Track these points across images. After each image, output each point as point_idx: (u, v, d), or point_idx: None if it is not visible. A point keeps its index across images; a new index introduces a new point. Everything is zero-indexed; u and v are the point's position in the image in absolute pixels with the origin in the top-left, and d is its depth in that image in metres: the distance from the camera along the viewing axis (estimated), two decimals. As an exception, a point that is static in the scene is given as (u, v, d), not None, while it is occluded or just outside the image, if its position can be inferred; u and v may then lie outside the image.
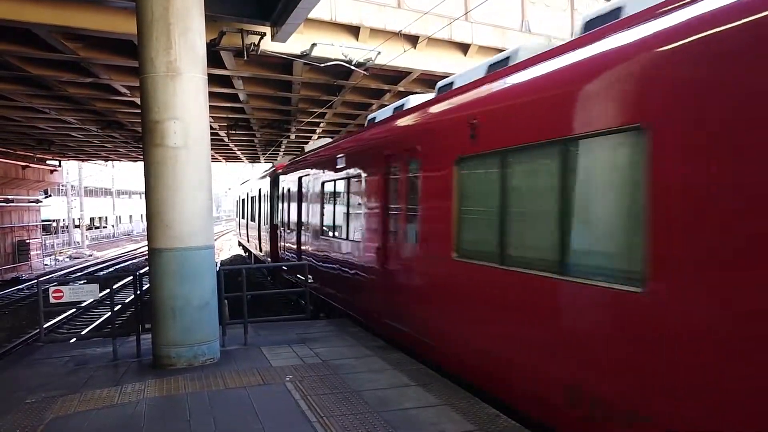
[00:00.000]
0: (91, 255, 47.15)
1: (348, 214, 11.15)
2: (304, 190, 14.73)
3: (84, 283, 8.85)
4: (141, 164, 8.94)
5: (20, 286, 26.58)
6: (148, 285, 8.33)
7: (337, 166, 11.80)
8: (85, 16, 11.37)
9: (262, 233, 21.38)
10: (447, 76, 15.24)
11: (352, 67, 14.11)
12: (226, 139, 28.25)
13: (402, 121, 9.09)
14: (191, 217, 7.99)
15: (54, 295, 8.36)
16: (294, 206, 15.81)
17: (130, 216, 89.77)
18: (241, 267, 10.95)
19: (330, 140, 15.59)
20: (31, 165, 34.70)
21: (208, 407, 6.31)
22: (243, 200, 25.73)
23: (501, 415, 5.81)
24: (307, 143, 29.02)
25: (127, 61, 13.66)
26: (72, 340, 10.61)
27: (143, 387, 7.10)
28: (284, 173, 17.60)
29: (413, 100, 9.56)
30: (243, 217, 28.27)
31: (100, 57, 13.62)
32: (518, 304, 5.76)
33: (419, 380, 7.02)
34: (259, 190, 22.19)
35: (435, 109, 7.94)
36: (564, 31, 16.02)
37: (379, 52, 13.78)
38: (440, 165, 7.36)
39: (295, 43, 13.14)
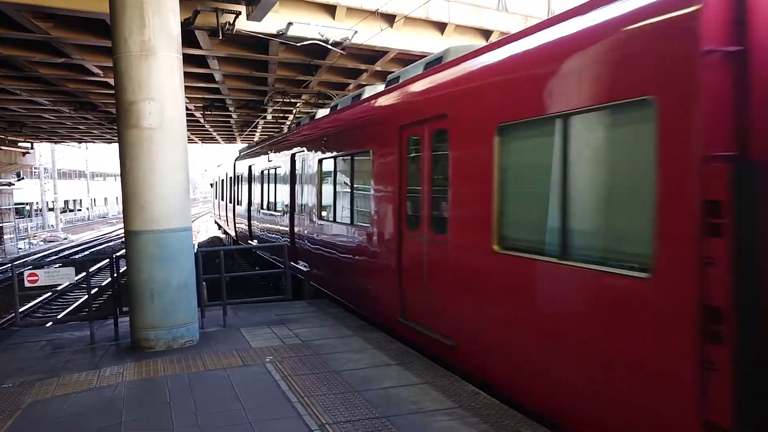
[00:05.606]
0: (66, 238, 46.58)
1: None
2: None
3: (59, 267, 8.76)
4: (116, 146, 8.83)
5: (-6, 271, 26.20)
6: (125, 268, 8.26)
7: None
8: (55, -6, 11.11)
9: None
10: (424, 56, 15.22)
11: (329, 47, 13.98)
12: (201, 120, 27.96)
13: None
14: (168, 198, 7.91)
15: (29, 278, 8.27)
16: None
17: (105, 198, 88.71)
18: (219, 249, 10.91)
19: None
20: (2, 147, 34.08)
21: (187, 389, 6.30)
22: (239, 176, 23.11)
23: (480, 392, 5.88)
24: (284, 124, 28.92)
25: (100, 41, 13.39)
26: (48, 324, 10.51)
27: (122, 370, 7.07)
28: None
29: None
30: (230, 201, 25.70)
31: (72, 36, 13.33)
32: None
33: (400, 359, 7.06)
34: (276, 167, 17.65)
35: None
36: (540, 10, 16.00)
37: (356, 32, 13.66)
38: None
39: (270, 22, 12.98)
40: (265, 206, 17.19)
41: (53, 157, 57.81)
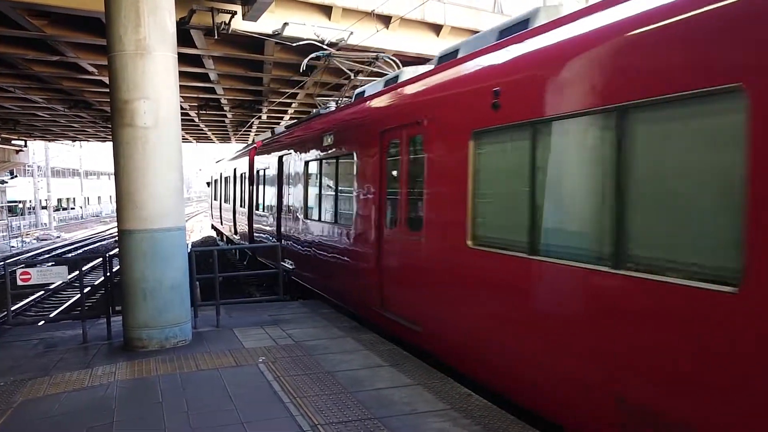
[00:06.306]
0: (59, 237, 46.35)
1: None
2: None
3: (52, 265, 8.73)
4: (110, 144, 8.81)
5: (-14, 269, 26.04)
6: (119, 266, 8.24)
7: None
8: (51, -9, 11.10)
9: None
10: (420, 57, 15.22)
11: (325, 47, 14.00)
12: (196, 120, 27.97)
13: None
14: (162, 198, 7.90)
15: (22, 277, 8.23)
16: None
17: (99, 197, 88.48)
18: (212, 248, 10.88)
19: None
20: (-5, 145, 34.03)
21: (180, 389, 6.29)
22: (259, 172, 17.89)
23: (473, 394, 5.89)
24: (278, 123, 28.92)
25: (95, 39, 13.38)
26: (41, 323, 10.47)
27: (114, 369, 7.04)
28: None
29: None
30: (242, 205, 20.81)
31: (67, 34, 13.32)
32: None
33: (392, 360, 7.06)
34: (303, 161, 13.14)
35: None
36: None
37: (352, 33, 13.69)
38: None
39: (266, 22, 13.00)
40: (310, 214, 12.09)
41: (47, 155, 57.57)
